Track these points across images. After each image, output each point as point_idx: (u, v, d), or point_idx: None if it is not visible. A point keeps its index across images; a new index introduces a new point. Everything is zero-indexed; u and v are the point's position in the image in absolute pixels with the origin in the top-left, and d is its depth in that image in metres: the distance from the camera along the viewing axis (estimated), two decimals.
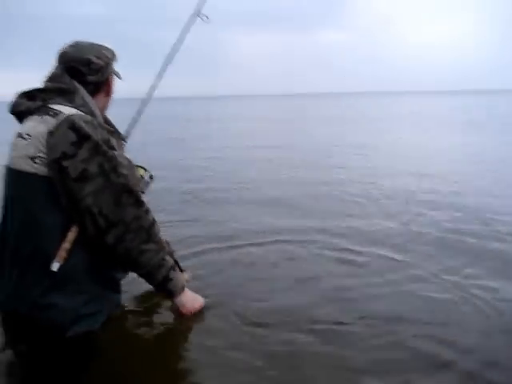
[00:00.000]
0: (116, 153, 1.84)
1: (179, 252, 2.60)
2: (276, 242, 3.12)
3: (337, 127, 14.03)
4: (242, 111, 31.07)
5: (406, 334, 1.94)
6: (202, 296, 2.14)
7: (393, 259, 2.77)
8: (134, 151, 2.17)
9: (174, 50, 2.40)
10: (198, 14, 2.52)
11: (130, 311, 2.17)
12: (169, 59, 2.37)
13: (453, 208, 3.97)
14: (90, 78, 1.99)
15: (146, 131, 11.20)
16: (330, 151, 8.33)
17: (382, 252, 2.89)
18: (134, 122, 2.28)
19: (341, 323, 2.01)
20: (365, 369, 1.72)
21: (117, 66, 2.12)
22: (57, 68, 1.99)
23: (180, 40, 2.40)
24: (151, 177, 2.16)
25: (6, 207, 1.91)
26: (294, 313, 2.12)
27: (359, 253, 2.87)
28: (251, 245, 3.06)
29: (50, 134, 1.77)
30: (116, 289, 2.01)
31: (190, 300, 2.07)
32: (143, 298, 2.27)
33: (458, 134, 11.15)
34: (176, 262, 2.00)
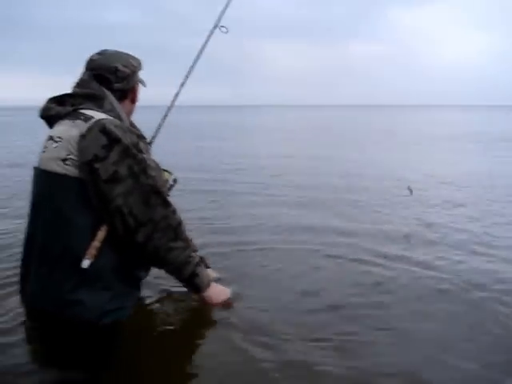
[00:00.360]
0: (145, 156, 1.92)
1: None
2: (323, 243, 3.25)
3: (370, 139, 13.89)
4: (276, 120, 31.22)
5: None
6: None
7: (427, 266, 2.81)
8: (170, 156, 2.27)
9: (195, 60, 2.50)
10: (217, 26, 2.63)
11: (149, 306, 2.25)
12: (190, 70, 2.48)
13: (492, 221, 3.97)
14: (117, 86, 2.07)
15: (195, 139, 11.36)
16: (365, 162, 8.29)
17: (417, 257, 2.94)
18: (159, 127, 2.37)
19: (354, 333, 2.04)
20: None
21: (142, 74, 2.21)
22: (84, 74, 2.08)
23: (201, 51, 2.51)
24: (175, 180, 2.24)
25: (33, 207, 1.97)
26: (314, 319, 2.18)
27: (393, 259, 2.92)
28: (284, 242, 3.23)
29: (82, 137, 1.84)
30: (138, 286, 2.08)
31: (217, 293, 2.14)
32: (163, 293, 2.36)
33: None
34: (201, 259, 2.07)
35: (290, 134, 16.77)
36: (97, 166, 1.82)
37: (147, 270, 2.09)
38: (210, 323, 2.10)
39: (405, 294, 2.41)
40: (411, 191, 4.10)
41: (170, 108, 2.40)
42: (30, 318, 2.03)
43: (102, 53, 2.11)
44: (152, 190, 1.88)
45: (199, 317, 2.17)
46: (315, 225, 3.78)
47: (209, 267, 2.14)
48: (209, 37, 2.56)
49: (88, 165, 1.82)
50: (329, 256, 2.99)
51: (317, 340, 1.94)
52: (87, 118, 1.89)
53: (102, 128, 1.85)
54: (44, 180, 1.93)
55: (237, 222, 3.89)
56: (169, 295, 2.34)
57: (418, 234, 3.55)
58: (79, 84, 2.06)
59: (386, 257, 2.96)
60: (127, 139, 1.87)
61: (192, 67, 2.49)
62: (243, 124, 26.08)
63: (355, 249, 3.13)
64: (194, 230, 2.50)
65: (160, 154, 2.38)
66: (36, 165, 1.99)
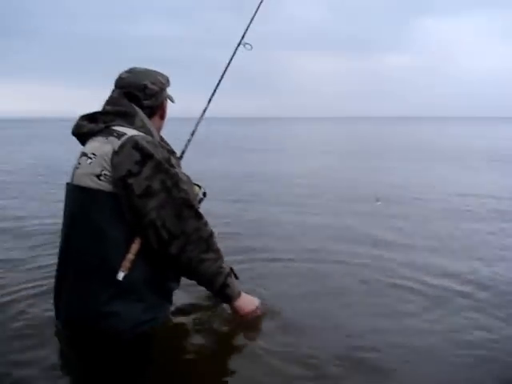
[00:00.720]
0: (176, 170, 1.96)
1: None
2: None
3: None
4: (317, 133, 30.50)
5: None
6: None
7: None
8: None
9: (221, 77, 2.58)
10: (241, 43, 2.69)
11: (181, 314, 2.28)
12: (217, 86, 2.55)
13: None
14: (146, 103, 2.12)
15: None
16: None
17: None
18: (189, 142, 2.42)
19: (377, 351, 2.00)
20: None
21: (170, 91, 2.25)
22: (114, 92, 2.13)
23: (226, 68, 2.58)
24: (204, 194, 2.27)
25: (67, 222, 2.01)
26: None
27: (433, 286, 2.75)
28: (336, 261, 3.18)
29: (115, 153, 1.89)
30: (170, 299, 2.12)
31: (247, 303, 2.15)
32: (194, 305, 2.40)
33: None
34: (231, 269, 2.10)
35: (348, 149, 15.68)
36: (130, 181, 1.86)
37: (178, 281, 2.13)
38: (242, 331, 2.13)
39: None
40: (378, 200, 4.17)
41: (198, 123, 2.45)
42: (65, 331, 2.06)
43: (130, 71, 2.16)
44: (184, 203, 1.92)
45: (231, 325, 2.19)
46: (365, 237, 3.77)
47: (237, 278, 2.16)
48: (233, 54, 2.61)
49: (122, 180, 1.86)
50: (375, 272, 2.90)
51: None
52: (120, 135, 1.93)
53: (135, 144, 1.89)
54: (78, 195, 1.97)
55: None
56: (199, 303, 2.39)
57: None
58: (109, 102, 2.11)
59: (434, 274, 2.85)
60: (159, 154, 1.92)
61: (218, 84, 2.55)
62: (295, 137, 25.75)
63: (406, 265, 3.03)
64: None
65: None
66: (69, 180, 2.04)
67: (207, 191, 2.24)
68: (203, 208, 2.10)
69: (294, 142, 21.09)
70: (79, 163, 2.00)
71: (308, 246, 3.54)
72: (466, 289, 2.66)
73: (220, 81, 2.55)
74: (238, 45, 2.67)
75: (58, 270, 2.05)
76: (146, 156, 1.88)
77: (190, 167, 2.28)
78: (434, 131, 33.57)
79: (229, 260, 2.12)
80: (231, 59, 2.58)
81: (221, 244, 2.04)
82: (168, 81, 2.24)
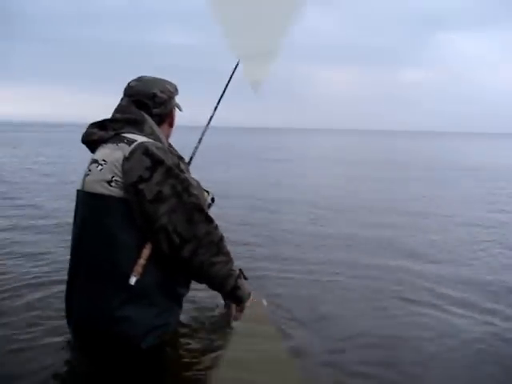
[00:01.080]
0: (186, 175, 2.00)
1: None
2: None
3: None
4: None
5: None
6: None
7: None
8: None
9: (226, 85, 2.63)
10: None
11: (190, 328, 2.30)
12: (222, 94, 2.60)
13: None
14: (155, 111, 2.16)
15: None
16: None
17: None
18: (196, 149, 2.46)
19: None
20: None
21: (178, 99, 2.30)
22: (123, 100, 2.17)
23: (231, 76, 2.63)
24: (213, 199, 2.31)
25: (79, 229, 2.03)
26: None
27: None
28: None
29: (126, 159, 1.92)
30: (180, 304, 2.14)
31: None
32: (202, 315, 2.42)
33: None
34: (240, 270, 2.13)
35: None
36: (141, 186, 1.88)
37: (188, 287, 2.15)
38: (258, 334, 2.16)
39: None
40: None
41: (204, 131, 2.50)
42: (77, 337, 2.07)
43: (139, 79, 2.19)
44: (195, 207, 1.95)
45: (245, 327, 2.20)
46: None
47: (246, 278, 2.19)
48: (237, 65, 2.65)
49: (133, 186, 1.89)
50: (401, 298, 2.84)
51: None
52: (130, 141, 1.97)
53: (145, 150, 1.92)
54: (89, 202, 1.99)
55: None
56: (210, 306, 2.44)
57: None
58: (119, 109, 2.14)
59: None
60: (169, 160, 1.95)
61: (223, 93, 2.60)
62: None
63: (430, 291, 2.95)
64: None
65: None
66: (79, 187, 2.06)
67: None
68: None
69: (317, 152, 21.62)
70: (89, 170, 2.02)
71: (343, 258, 3.60)
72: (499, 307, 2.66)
73: (225, 90, 2.59)
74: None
75: (70, 267, 2.06)
76: (156, 162, 1.91)
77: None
78: (457, 146, 33.46)
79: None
80: (235, 69, 2.62)
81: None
82: (176, 89, 2.28)
